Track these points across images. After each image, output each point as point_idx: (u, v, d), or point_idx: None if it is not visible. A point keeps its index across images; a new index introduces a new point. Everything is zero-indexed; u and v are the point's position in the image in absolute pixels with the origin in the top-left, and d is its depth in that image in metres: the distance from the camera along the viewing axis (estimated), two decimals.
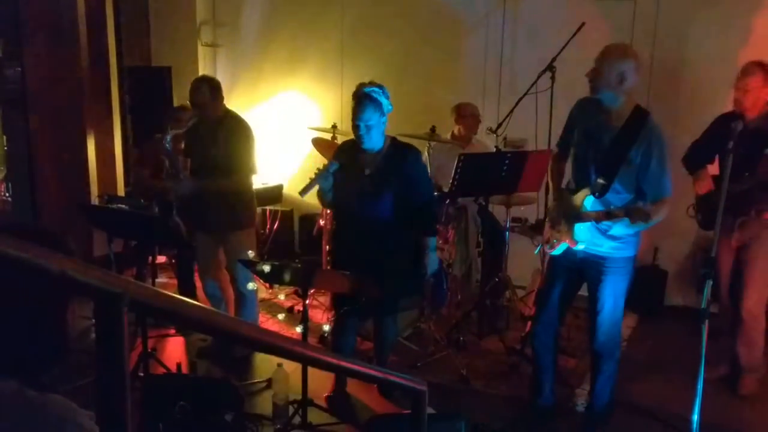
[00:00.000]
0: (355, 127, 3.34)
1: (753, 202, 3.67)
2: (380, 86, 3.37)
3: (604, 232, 3.13)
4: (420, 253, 3.51)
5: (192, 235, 4.30)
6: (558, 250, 3.28)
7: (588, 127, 3.16)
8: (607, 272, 3.18)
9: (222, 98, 4.05)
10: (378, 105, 3.32)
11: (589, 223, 3.11)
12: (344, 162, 3.47)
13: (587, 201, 3.10)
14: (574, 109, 3.34)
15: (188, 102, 4.14)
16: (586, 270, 3.27)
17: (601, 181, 3.04)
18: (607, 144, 3.07)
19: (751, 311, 3.80)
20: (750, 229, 3.75)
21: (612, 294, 3.20)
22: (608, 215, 2.99)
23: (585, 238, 3.15)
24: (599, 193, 3.06)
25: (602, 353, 3.33)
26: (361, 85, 3.38)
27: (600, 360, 3.35)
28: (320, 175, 3.41)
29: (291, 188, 6.26)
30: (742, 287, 3.83)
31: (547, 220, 3.47)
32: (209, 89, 3.94)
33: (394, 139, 3.51)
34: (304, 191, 3.43)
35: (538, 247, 3.45)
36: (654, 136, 3.00)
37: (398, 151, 3.47)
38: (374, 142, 3.38)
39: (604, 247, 3.16)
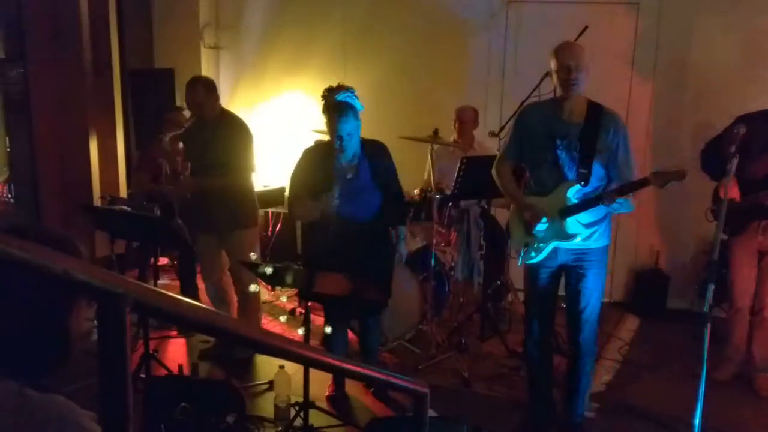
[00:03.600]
0: (338, 138, 3.28)
1: None
2: (350, 89, 3.37)
3: (587, 224, 3.14)
4: (391, 244, 3.63)
5: (194, 237, 4.30)
6: (542, 255, 3.23)
7: (549, 130, 3.14)
8: (589, 266, 3.17)
9: (217, 97, 4.06)
10: (356, 112, 3.33)
11: (577, 215, 3.10)
12: (319, 170, 3.44)
13: (570, 193, 3.11)
14: (522, 117, 3.30)
15: (185, 103, 4.14)
16: (567, 270, 3.25)
17: (583, 170, 3.08)
18: (576, 139, 3.09)
19: None
20: None
21: (596, 288, 3.20)
22: (619, 192, 2.99)
23: (579, 230, 3.13)
24: (585, 182, 3.09)
25: (586, 351, 3.29)
26: (333, 92, 3.33)
27: (583, 358, 3.31)
28: (328, 199, 3.36)
29: None
30: (764, 290, 3.88)
31: (512, 229, 3.39)
32: (204, 88, 3.95)
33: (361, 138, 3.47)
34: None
35: (520, 258, 3.37)
36: (616, 122, 3.09)
37: (373, 146, 3.48)
38: (353, 149, 3.37)
39: (590, 239, 3.16)
